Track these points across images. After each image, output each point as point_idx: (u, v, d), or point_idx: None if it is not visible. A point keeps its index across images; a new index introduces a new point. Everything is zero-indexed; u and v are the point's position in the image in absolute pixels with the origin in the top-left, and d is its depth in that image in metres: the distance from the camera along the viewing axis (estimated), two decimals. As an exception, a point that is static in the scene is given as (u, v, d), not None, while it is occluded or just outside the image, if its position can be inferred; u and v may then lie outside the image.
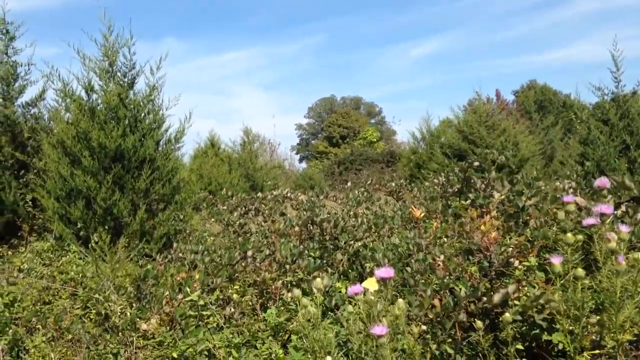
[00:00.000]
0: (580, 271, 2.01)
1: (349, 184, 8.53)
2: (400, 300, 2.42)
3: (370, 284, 2.37)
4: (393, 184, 8.49)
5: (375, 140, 47.21)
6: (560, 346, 3.24)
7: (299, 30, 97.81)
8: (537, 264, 3.36)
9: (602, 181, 2.43)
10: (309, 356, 3.06)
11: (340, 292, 3.75)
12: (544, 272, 3.39)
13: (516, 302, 3.27)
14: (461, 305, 3.10)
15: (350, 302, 2.69)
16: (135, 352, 3.98)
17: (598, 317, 2.08)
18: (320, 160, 45.59)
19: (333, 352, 2.44)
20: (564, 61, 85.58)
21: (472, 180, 4.24)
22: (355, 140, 48.94)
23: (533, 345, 3.31)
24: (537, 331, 3.29)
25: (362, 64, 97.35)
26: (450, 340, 3.34)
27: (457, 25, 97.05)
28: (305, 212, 5.06)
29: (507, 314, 2.38)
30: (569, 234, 2.16)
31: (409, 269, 3.85)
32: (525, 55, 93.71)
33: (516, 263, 3.40)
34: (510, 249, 3.22)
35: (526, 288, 3.34)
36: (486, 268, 3.37)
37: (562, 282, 2.13)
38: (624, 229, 2.12)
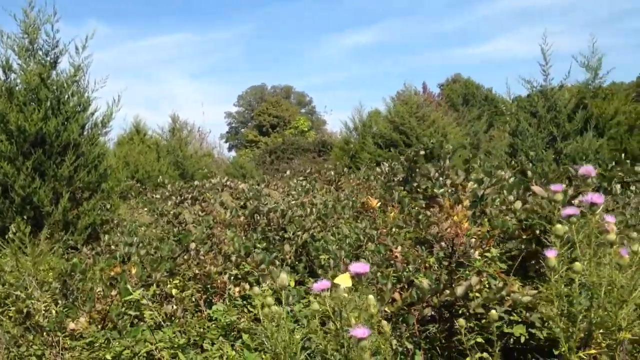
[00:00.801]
0: (579, 266, 1.89)
1: (287, 172, 8.32)
2: (370, 296, 2.23)
3: (344, 280, 2.17)
4: (332, 173, 8.35)
5: (306, 129, 47.01)
6: (522, 339, 3.18)
7: (230, 19, 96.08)
8: (497, 254, 3.27)
9: (587, 169, 2.32)
10: (268, 358, 2.83)
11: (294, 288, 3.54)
12: (504, 262, 3.32)
13: (477, 294, 3.17)
14: (425, 299, 2.96)
15: (301, 300, 2.48)
16: (62, 354, 3.62)
17: (586, 313, 1.97)
18: (250, 149, 44.97)
19: (299, 355, 2.22)
20: (486, 56, 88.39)
21: (425, 169, 4.12)
22: (286, 129, 48.59)
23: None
24: (498, 324, 3.21)
25: (293, 53, 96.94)
26: (408, 335, 3.20)
27: (392, 17, 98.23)
28: (250, 202, 4.80)
29: (493, 313, 2.23)
30: (559, 225, 2.03)
31: (363, 260, 3.69)
32: (452, 48, 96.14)
33: (476, 254, 3.30)
34: (473, 239, 3.10)
35: (486, 280, 3.24)
36: (447, 259, 3.24)
37: (555, 277, 1.99)
38: (611, 219, 2.02)
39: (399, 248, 3.54)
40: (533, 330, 3.13)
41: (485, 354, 3.20)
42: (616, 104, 12.55)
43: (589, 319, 1.95)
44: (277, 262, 3.79)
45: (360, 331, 1.85)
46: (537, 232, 3.51)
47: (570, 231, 2.03)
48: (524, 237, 3.48)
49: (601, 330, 1.94)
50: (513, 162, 11.84)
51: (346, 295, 2.14)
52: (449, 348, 3.44)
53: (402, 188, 5.52)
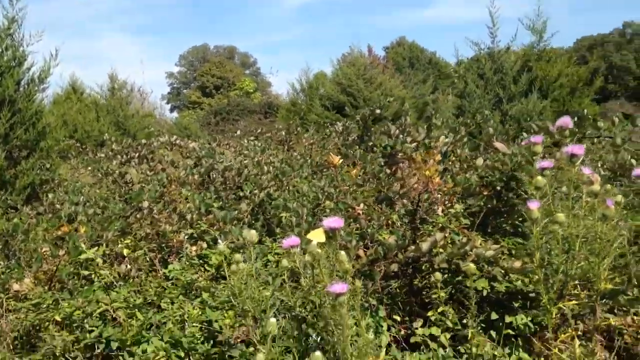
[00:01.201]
0: (561, 216, 1.86)
1: (238, 132, 8.12)
2: (342, 252, 2.16)
3: (317, 236, 2.08)
4: (283, 134, 8.22)
5: (252, 91, 46.26)
6: (485, 293, 3.20)
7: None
8: (461, 210, 3.26)
9: (564, 120, 2.29)
10: (231, 315, 2.75)
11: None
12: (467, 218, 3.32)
13: (441, 250, 3.16)
14: (391, 256, 2.92)
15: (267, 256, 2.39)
16: (6, 316, 3.43)
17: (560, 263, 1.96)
18: (194, 110, 43.99)
19: (268, 312, 2.14)
20: (430, 20, 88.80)
21: (386, 127, 4.06)
22: (230, 90, 47.66)
23: (456, 292, 3.24)
24: (460, 278, 3.22)
25: (236, 12, 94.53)
26: (372, 291, 3.17)
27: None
28: (204, 160, 4.63)
29: (471, 267, 2.20)
30: (539, 177, 1.99)
31: (325, 218, 3.62)
32: (398, 11, 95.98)
33: (439, 210, 3.28)
34: (439, 195, 3.07)
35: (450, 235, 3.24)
36: (411, 216, 3.21)
37: (539, 228, 1.96)
38: (588, 171, 2.00)
39: (362, 206, 3.48)
40: (494, 284, 3.16)
41: (448, 307, 3.22)
42: (559, 67, 12.84)
43: (565, 271, 1.95)
44: (235, 221, 3.68)
45: (338, 287, 1.78)
46: (498, 188, 3.52)
47: (548, 183, 2.00)
48: (485, 193, 3.49)
49: (577, 282, 1.94)
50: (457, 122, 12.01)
51: (319, 251, 2.06)
52: (410, 303, 3.45)
53: (358, 147, 5.46)
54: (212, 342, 2.69)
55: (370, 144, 5.62)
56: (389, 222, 3.39)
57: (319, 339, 2.15)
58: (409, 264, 3.14)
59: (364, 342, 1.79)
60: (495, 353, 3.12)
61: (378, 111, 5.92)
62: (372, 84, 21.30)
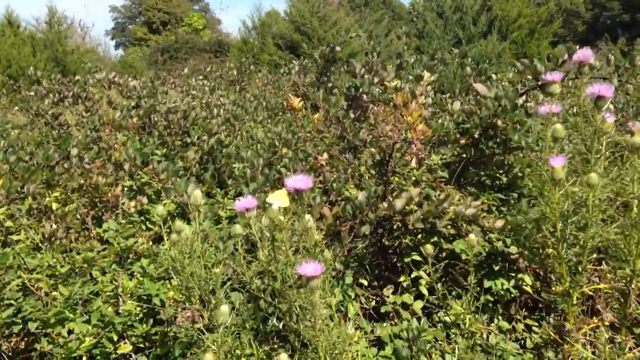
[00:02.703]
0: (594, 177, 1.48)
1: (186, 70, 7.49)
2: (310, 220, 1.75)
3: (280, 198, 1.67)
4: (234, 73, 7.64)
5: (201, 28, 44.30)
6: (464, 256, 2.88)
7: None
8: (439, 162, 2.88)
9: (585, 53, 1.88)
10: (180, 294, 2.33)
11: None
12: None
13: (415, 207, 2.79)
14: (361, 215, 2.54)
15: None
16: None
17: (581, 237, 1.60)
18: (140, 47, 41.95)
19: (219, 293, 1.73)
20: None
21: (351, 65, 3.59)
22: (178, 27, 45.55)
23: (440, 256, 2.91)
24: (436, 239, 2.88)
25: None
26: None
27: None
28: (144, 100, 4.09)
29: (472, 238, 1.83)
30: (559, 126, 1.60)
31: (284, 169, 3.19)
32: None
33: (412, 162, 2.90)
34: (414, 145, 2.67)
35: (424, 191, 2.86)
36: (383, 168, 2.82)
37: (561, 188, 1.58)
38: (612, 119, 1.63)
39: (325, 155, 3.06)
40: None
41: (422, 272, 2.89)
42: (519, 6, 12.50)
43: (589, 245, 1.59)
44: (181, 172, 3.20)
45: (310, 268, 1.37)
46: (476, 136, 3.15)
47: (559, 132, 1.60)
48: (462, 142, 3.12)
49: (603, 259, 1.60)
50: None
51: (282, 218, 1.64)
52: (378, 266, 3.11)
53: (316, 88, 5.00)
54: (152, 320, 2.27)
55: (330, 85, 5.16)
56: (356, 174, 2.99)
57: (280, 324, 1.76)
58: (379, 223, 2.77)
59: (342, 337, 1.41)
60: (458, 317, 2.83)
61: (338, 48, 5.44)
62: (327, 22, 20.56)
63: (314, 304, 1.37)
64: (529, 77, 3.40)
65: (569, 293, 1.55)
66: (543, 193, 1.61)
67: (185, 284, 1.79)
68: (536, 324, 2.81)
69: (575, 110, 1.80)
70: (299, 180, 1.63)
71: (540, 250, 1.91)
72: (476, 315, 2.77)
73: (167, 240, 1.80)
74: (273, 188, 3.12)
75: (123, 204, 3.15)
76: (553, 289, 1.70)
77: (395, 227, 2.89)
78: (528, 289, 2.84)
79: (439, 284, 2.24)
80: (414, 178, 2.94)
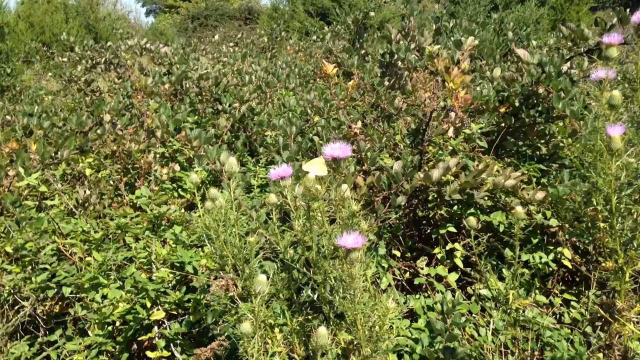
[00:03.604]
0: None
1: (216, 37, 7.42)
2: (344, 185, 1.70)
3: (316, 167, 1.61)
4: (265, 40, 7.55)
5: (231, -6, 43.99)
6: (501, 227, 2.80)
7: None
8: (478, 131, 2.79)
9: None
10: (212, 262, 2.31)
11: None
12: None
13: (451, 178, 2.71)
14: (396, 185, 2.47)
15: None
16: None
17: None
18: (170, 14, 41.83)
19: (253, 262, 1.70)
20: None
21: (386, 30, 3.48)
22: (209, -7, 45.23)
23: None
24: (473, 211, 2.80)
25: None
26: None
27: None
28: (176, 67, 4.04)
29: (519, 211, 1.76)
30: (616, 92, 1.50)
31: (316, 137, 3.13)
32: None
33: (450, 131, 2.80)
34: (453, 113, 2.58)
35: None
36: (419, 137, 2.73)
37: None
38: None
39: (359, 124, 2.99)
40: (511, 218, 2.75)
41: (457, 244, 2.82)
42: (560, -29, 12.06)
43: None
44: (213, 140, 3.17)
45: (351, 239, 1.32)
46: (517, 104, 3.04)
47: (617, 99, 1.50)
48: (502, 110, 3.01)
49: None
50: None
51: (319, 187, 1.59)
52: (412, 237, 3.05)
53: (349, 56, 4.89)
54: (184, 288, 2.26)
55: (363, 52, 5.05)
56: (390, 143, 2.92)
57: (315, 295, 1.73)
58: (414, 194, 2.71)
59: (381, 310, 1.37)
60: (499, 291, 2.77)
61: (372, 14, 5.32)
62: (359, -12, 20.17)
63: (353, 277, 1.32)
64: (572, 42, 3.25)
65: (622, 270, 1.47)
66: (595, 163, 1.52)
67: (219, 252, 1.76)
68: (574, 298, 2.74)
69: (629, 76, 1.69)
70: (337, 148, 1.57)
71: (589, 224, 1.82)
72: (520, 291, 2.71)
73: (201, 207, 1.76)
74: (305, 157, 3.06)
75: (155, 170, 3.14)
76: (603, 264, 1.62)
77: (430, 197, 2.82)
78: (567, 263, 2.76)
79: (479, 258, 2.16)
80: (450, 148, 2.85)
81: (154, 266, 2.29)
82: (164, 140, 3.32)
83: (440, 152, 2.78)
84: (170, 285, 2.31)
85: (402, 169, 2.46)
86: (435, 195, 2.78)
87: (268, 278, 1.56)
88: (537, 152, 3.13)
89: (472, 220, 1.96)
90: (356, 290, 1.34)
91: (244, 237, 1.74)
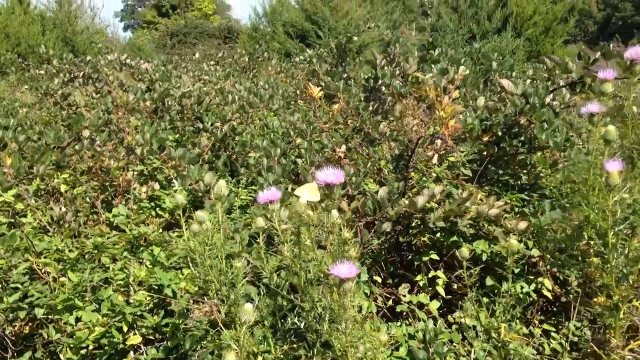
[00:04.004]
0: None
1: (197, 55, 7.40)
2: (334, 212, 1.67)
3: (309, 192, 1.58)
4: (247, 59, 7.55)
5: (211, 12, 44.03)
6: (484, 256, 2.79)
7: None
8: (463, 159, 2.80)
9: (638, 51, 1.76)
10: (192, 285, 2.25)
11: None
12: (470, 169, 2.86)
13: (435, 205, 2.71)
14: (381, 211, 2.45)
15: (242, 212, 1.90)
16: None
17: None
18: (148, 30, 41.72)
19: (239, 288, 1.65)
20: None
21: (371, 55, 3.49)
22: (188, 11, 45.26)
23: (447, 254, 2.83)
24: (456, 239, 2.79)
25: None
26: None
27: None
28: (159, 84, 4.00)
29: (513, 243, 1.75)
30: (611, 128, 1.51)
31: (299, 160, 3.11)
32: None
33: (434, 158, 2.81)
34: (439, 140, 2.58)
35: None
36: (404, 164, 2.73)
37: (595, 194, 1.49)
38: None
39: (343, 147, 2.98)
40: (495, 247, 2.75)
41: (439, 272, 2.81)
42: (535, 3, 12.33)
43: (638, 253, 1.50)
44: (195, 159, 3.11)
45: (345, 269, 1.29)
46: (500, 134, 3.06)
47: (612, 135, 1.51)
48: (485, 139, 3.02)
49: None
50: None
51: (311, 212, 1.56)
52: (393, 263, 3.03)
53: (336, 78, 4.90)
54: (163, 311, 2.20)
55: (345, 75, 5.07)
56: (375, 168, 2.90)
57: (302, 324, 1.68)
58: (397, 220, 2.69)
59: (374, 344, 1.33)
60: (490, 324, 2.76)
61: (355, 38, 5.36)
62: (338, 12, 20.38)
63: (345, 307, 1.29)
64: (548, 74, 3.30)
65: (618, 306, 1.46)
66: (588, 198, 1.52)
67: (203, 276, 1.71)
68: (554, 329, 2.74)
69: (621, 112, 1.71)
70: (331, 174, 1.54)
71: (580, 258, 1.81)
72: (511, 324, 2.70)
73: (187, 230, 1.72)
74: (288, 179, 3.03)
75: (134, 189, 3.08)
76: (595, 299, 1.61)
77: (413, 224, 2.80)
78: (547, 293, 2.76)
79: (470, 289, 2.14)
80: (434, 175, 2.85)
81: (131, 288, 2.22)
82: (144, 158, 3.26)
83: (424, 178, 2.78)
84: (147, 308, 2.24)
85: (388, 194, 2.44)
86: (419, 222, 2.77)
87: (254, 306, 1.51)
88: (518, 182, 3.16)
89: (465, 251, 1.94)
90: (348, 322, 1.30)
91: (231, 261, 1.69)
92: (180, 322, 2.13)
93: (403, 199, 2.58)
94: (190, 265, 1.74)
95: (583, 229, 1.62)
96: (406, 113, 2.53)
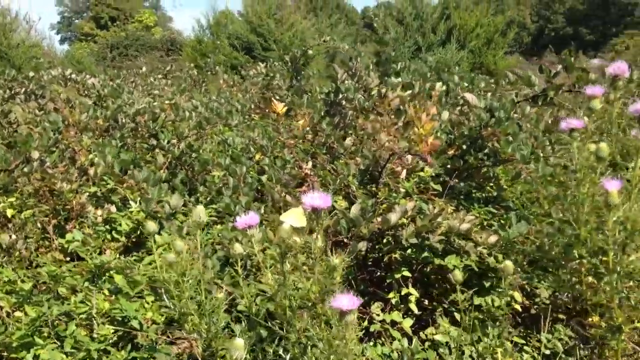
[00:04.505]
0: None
1: (144, 68, 7.19)
2: (320, 240, 1.59)
3: (295, 217, 1.50)
4: (195, 73, 7.40)
5: (152, 25, 43.23)
6: (457, 271, 2.76)
7: None
8: (432, 174, 2.77)
9: (620, 67, 1.74)
10: (160, 315, 2.12)
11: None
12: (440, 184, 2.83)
13: (404, 221, 2.67)
14: (357, 229, 2.39)
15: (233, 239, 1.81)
16: None
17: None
18: (87, 42, 40.59)
19: (220, 321, 1.55)
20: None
21: (332, 69, 3.45)
22: (128, 23, 44.30)
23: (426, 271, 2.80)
24: (427, 255, 2.76)
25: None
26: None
27: None
28: (111, 101, 3.83)
29: (508, 265, 1.71)
30: (603, 145, 1.48)
31: (264, 177, 3.02)
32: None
33: (403, 174, 2.77)
34: (409, 156, 2.55)
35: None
36: (374, 180, 2.68)
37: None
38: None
39: (310, 164, 2.91)
40: (467, 262, 2.73)
41: (412, 289, 2.77)
42: (477, 16, 12.64)
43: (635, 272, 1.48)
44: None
45: (346, 301, 1.21)
46: (464, 147, 3.06)
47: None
48: (451, 153, 3.02)
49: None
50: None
51: (298, 239, 1.48)
52: (363, 281, 2.97)
53: (295, 93, 4.84)
54: (129, 345, 2.06)
55: (302, 89, 5.01)
56: (343, 185, 2.84)
57: (287, 356, 1.59)
58: (370, 239, 2.63)
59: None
60: (462, 339, 2.73)
61: (310, 52, 5.32)
62: (284, 24, 20.40)
63: (346, 342, 1.21)
64: (495, 85, 3.34)
65: (620, 328, 1.44)
66: (577, 216, 1.50)
67: (179, 309, 1.60)
68: (524, 341, 2.74)
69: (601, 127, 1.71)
70: (317, 198, 1.46)
71: (569, 277, 1.80)
72: (471, 336, 2.68)
73: (159, 259, 1.60)
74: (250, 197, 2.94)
75: (88, 212, 2.91)
76: (590, 319, 1.59)
77: (384, 241, 2.75)
78: (517, 306, 2.76)
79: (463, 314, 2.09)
80: (403, 190, 2.82)
81: (94, 322, 2.08)
82: (97, 180, 3.10)
83: (394, 194, 2.73)
84: (111, 342, 2.10)
85: (361, 212, 2.38)
86: (390, 239, 2.72)
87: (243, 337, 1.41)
88: (484, 195, 3.16)
89: (458, 274, 1.90)
90: (349, 356, 1.23)
91: (210, 292, 1.59)
92: (149, 356, 2.00)
93: (377, 217, 2.53)
94: (165, 297, 1.62)
95: (573, 247, 1.61)
96: (379, 129, 2.49)
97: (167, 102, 4.07)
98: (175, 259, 1.54)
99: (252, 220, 1.64)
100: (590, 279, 1.58)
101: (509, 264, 1.74)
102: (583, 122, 1.67)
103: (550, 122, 2.64)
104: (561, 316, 2.76)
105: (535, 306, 2.87)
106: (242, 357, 1.30)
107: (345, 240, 2.56)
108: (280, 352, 1.61)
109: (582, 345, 2.08)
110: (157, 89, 5.55)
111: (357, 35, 27.88)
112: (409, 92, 2.83)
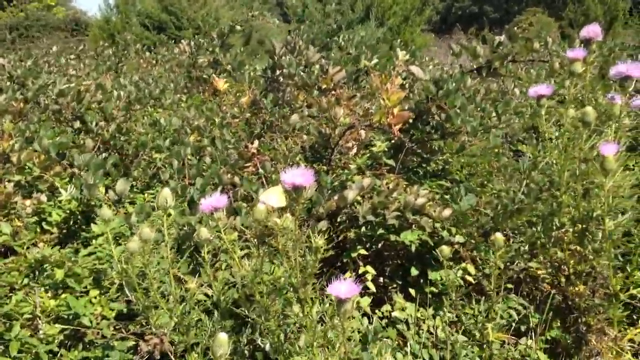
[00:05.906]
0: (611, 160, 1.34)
1: (55, 48, 6.71)
2: (288, 215, 1.49)
3: (275, 196, 1.38)
4: (111, 52, 7.00)
5: (53, 4, 40.70)
6: (413, 247, 2.73)
7: None
8: (385, 149, 2.71)
9: (593, 30, 1.69)
10: (110, 310, 1.95)
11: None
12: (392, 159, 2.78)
13: (359, 198, 2.60)
14: (318, 211, 2.30)
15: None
16: None
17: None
18: (-19, 23, 37.63)
19: (192, 314, 1.42)
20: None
21: (270, 44, 3.31)
22: (27, 3, 41.48)
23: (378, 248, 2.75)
24: (383, 232, 2.71)
25: None
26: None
27: None
28: (31, 82, 3.50)
29: (498, 237, 1.65)
30: (589, 108, 1.45)
31: (208, 159, 2.86)
32: None
33: (353, 151, 2.70)
34: (363, 132, 2.47)
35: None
36: (326, 158, 2.59)
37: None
38: (619, 100, 1.53)
39: (256, 143, 2.77)
40: (423, 236, 2.71)
41: (369, 267, 2.72)
42: (394, -7, 12.77)
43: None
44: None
45: (345, 288, 1.12)
46: (410, 121, 3.02)
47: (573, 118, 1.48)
48: (397, 127, 2.97)
49: None
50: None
51: (278, 220, 1.36)
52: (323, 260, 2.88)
53: (214, 70, 4.65)
54: (80, 345, 1.88)
55: (229, 66, 4.83)
56: (294, 163, 2.74)
57: (266, 346, 1.49)
58: (332, 216, 2.55)
59: None
60: (419, 315, 2.73)
61: (238, 27, 5.14)
62: (197, 2, 19.81)
63: (345, 331, 1.12)
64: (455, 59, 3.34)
65: (617, 295, 1.43)
66: (559, 184, 1.47)
67: (143, 302, 1.46)
68: (478, 312, 2.76)
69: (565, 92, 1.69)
70: (298, 175, 1.35)
71: (548, 247, 1.78)
72: (429, 311, 2.67)
73: (123, 250, 1.45)
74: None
75: (14, 203, 2.65)
76: (571, 289, 1.58)
77: (339, 220, 2.68)
78: (470, 278, 2.78)
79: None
80: (353, 166, 2.75)
81: (39, 321, 1.88)
82: (22, 166, 2.83)
83: (346, 171, 2.66)
84: (57, 342, 1.91)
85: (319, 190, 2.29)
86: (344, 217, 2.65)
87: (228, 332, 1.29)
88: (430, 169, 3.15)
89: (446, 249, 1.85)
90: (348, 347, 1.14)
91: (180, 282, 1.45)
92: (104, 355, 1.84)
93: (335, 195, 2.44)
94: (127, 290, 1.47)
95: (555, 215, 1.59)
96: (333, 103, 2.39)
97: (90, 82, 3.78)
98: (138, 248, 1.39)
99: (218, 202, 1.51)
100: (572, 247, 1.58)
101: (499, 236, 1.70)
102: (551, 89, 1.65)
103: (498, 93, 2.64)
104: (510, 286, 2.80)
105: (487, 278, 2.90)
106: (227, 353, 1.18)
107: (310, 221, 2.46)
108: (259, 341, 1.50)
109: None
110: (73, 69, 5.18)
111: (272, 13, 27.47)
112: (407, 59, 2.74)
